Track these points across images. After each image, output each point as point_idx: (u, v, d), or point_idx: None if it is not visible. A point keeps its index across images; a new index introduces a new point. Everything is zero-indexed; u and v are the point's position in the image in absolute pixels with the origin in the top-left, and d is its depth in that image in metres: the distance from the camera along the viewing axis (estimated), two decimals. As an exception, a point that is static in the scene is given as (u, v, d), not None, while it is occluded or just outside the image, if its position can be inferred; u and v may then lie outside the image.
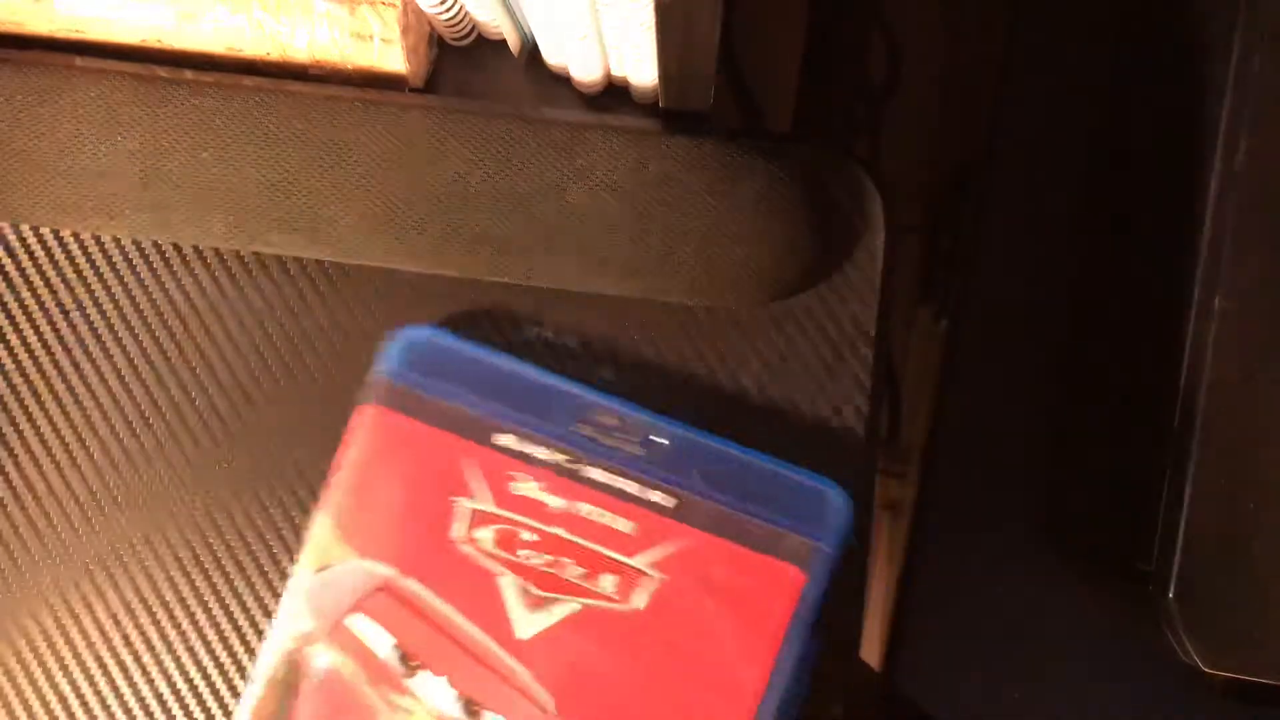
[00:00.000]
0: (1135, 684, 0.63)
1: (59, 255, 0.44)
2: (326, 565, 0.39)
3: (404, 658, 0.39)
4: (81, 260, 0.44)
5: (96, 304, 0.44)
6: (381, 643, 0.39)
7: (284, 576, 0.43)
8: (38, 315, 0.44)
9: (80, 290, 0.44)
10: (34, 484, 0.44)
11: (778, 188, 0.41)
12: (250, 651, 0.43)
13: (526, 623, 0.39)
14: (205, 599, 0.43)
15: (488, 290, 0.43)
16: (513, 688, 0.39)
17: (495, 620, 0.39)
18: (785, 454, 0.41)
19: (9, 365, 0.44)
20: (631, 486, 0.39)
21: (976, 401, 0.70)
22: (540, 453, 0.40)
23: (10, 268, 0.44)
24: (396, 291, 0.43)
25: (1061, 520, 0.64)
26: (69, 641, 0.43)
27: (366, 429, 0.40)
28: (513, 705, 0.39)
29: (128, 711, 0.43)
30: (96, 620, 0.43)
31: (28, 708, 0.43)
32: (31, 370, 0.44)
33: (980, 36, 0.75)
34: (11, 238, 0.44)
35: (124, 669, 0.43)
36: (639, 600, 0.39)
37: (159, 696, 0.43)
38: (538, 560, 0.39)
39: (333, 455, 0.40)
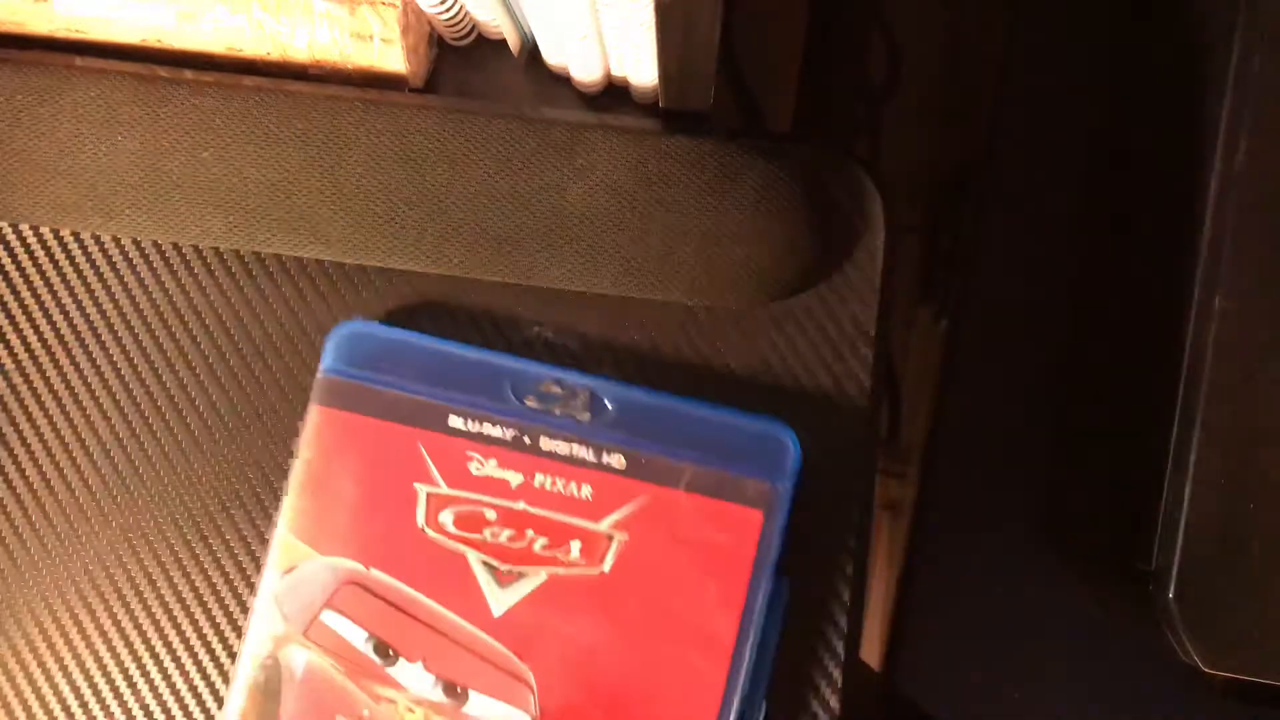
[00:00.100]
0: (1135, 684, 0.63)
1: (59, 255, 0.44)
2: (292, 567, 0.40)
3: (380, 648, 0.39)
4: (81, 260, 0.44)
5: (96, 304, 0.44)
6: (356, 636, 0.39)
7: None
8: (38, 315, 0.44)
9: (80, 290, 0.44)
10: (33, 483, 0.44)
11: (777, 188, 0.41)
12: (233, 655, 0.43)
13: (499, 599, 0.40)
14: (209, 594, 0.43)
15: (487, 290, 0.43)
16: (492, 665, 0.39)
17: (468, 601, 0.40)
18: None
19: (9, 365, 0.44)
20: (585, 452, 0.40)
21: (976, 401, 0.70)
22: (492, 431, 0.40)
23: (10, 268, 0.44)
24: (397, 291, 0.43)
25: (1061, 520, 0.64)
26: (67, 639, 0.43)
27: (313, 429, 0.40)
28: (493, 682, 0.39)
29: (109, 716, 0.43)
30: (96, 619, 0.43)
31: (26, 707, 0.43)
32: (31, 370, 0.44)
33: (980, 36, 0.75)
34: (11, 238, 0.44)
35: (106, 672, 0.43)
36: (606, 563, 0.40)
37: (142, 704, 0.43)
38: (503, 536, 0.40)
39: (333, 455, 0.41)
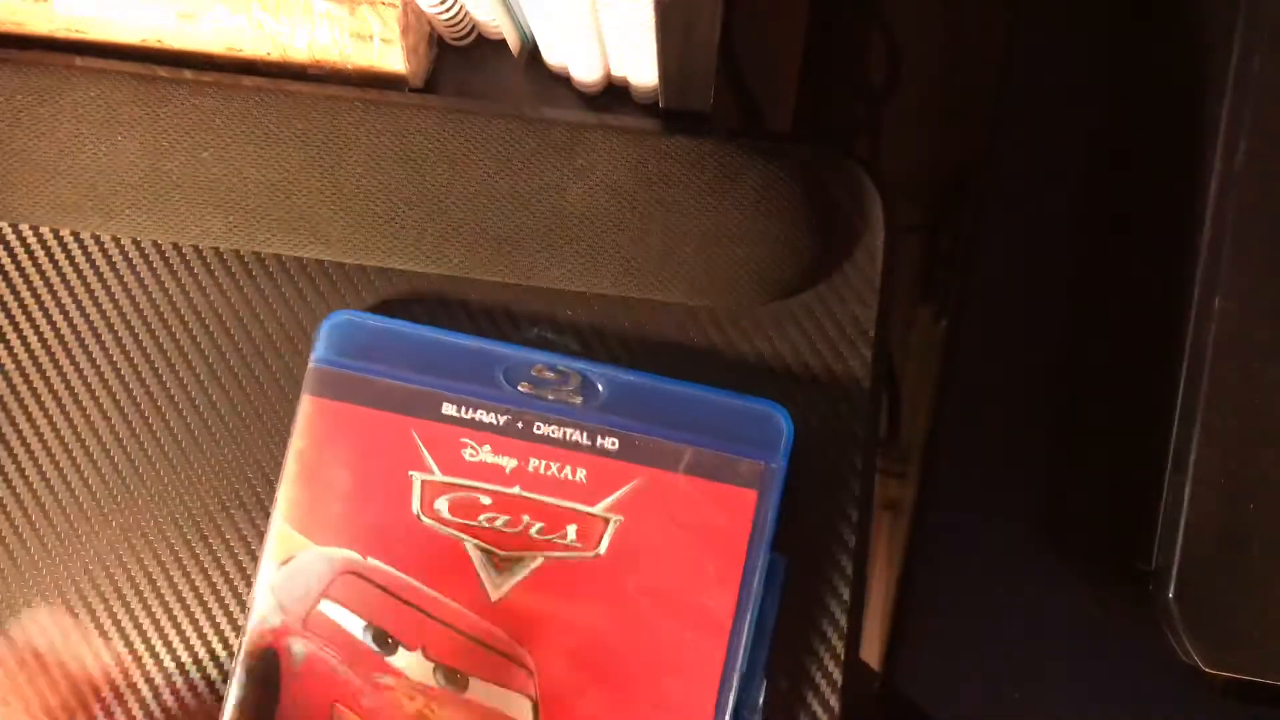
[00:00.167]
0: (1135, 684, 0.63)
1: (59, 255, 0.44)
2: (289, 558, 0.40)
3: (379, 637, 0.40)
4: (81, 260, 0.44)
5: (96, 304, 0.44)
6: (354, 625, 0.40)
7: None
8: (38, 315, 0.44)
9: (80, 290, 0.44)
10: (33, 483, 0.44)
11: (777, 188, 0.41)
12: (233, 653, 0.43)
13: (496, 585, 0.40)
14: (209, 593, 0.43)
15: (488, 290, 0.43)
16: (491, 650, 0.40)
17: (466, 587, 0.40)
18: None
19: (8, 365, 0.44)
20: (579, 436, 0.40)
21: (976, 401, 0.70)
22: (486, 417, 0.40)
23: (10, 268, 0.44)
24: (396, 290, 0.43)
25: (1061, 520, 0.64)
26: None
27: (305, 420, 0.40)
28: (493, 668, 0.40)
29: (108, 714, 0.43)
30: (96, 619, 0.43)
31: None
32: (31, 370, 0.44)
33: (980, 36, 0.75)
34: (11, 238, 0.44)
35: (107, 671, 0.43)
36: (602, 546, 0.40)
37: (141, 702, 0.43)
38: (499, 522, 0.40)
39: (333, 455, 0.41)
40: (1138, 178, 0.57)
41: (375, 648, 0.40)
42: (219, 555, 0.43)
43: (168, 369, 0.44)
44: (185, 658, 0.43)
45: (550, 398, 0.40)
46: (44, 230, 0.44)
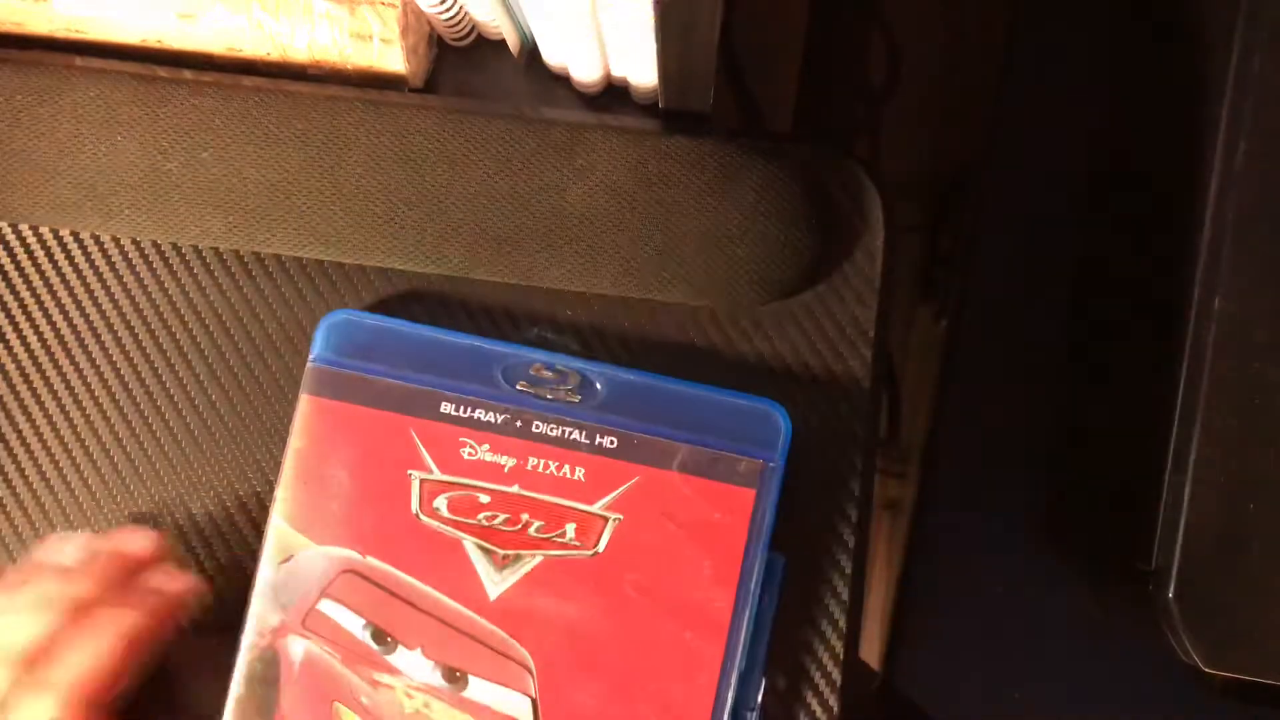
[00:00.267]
0: (1135, 684, 0.63)
1: (59, 255, 0.44)
2: (289, 556, 0.40)
3: (378, 635, 0.40)
4: (81, 260, 0.44)
5: (96, 304, 0.44)
6: (353, 624, 0.40)
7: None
8: (38, 315, 0.44)
9: (80, 290, 0.44)
10: (33, 483, 0.44)
11: (777, 188, 0.41)
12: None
13: (495, 583, 0.40)
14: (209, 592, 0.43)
15: (488, 289, 0.43)
16: (490, 649, 0.40)
17: (465, 586, 0.40)
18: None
19: (9, 365, 0.44)
20: (577, 434, 0.40)
21: (976, 401, 0.70)
22: (485, 416, 0.40)
23: (10, 268, 0.44)
24: (396, 290, 0.43)
25: (1061, 520, 0.64)
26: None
27: (304, 419, 0.40)
28: (492, 666, 0.40)
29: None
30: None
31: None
32: (31, 370, 0.44)
33: (980, 36, 0.75)
34: (11, 238, 0.44)
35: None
36: (601, 544, 0.40)
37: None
38: (498, 521, 0.40)
39: (333, 455, 0.41)
40: (1138, 178, 0.57)
41: (375, 646, 0.40)
42: (219, 554, 0.43)
43: (168, 369, 0.44)
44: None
45: (549, 397, 0.40)
46: (44, 230, 0.44)
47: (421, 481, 0.40)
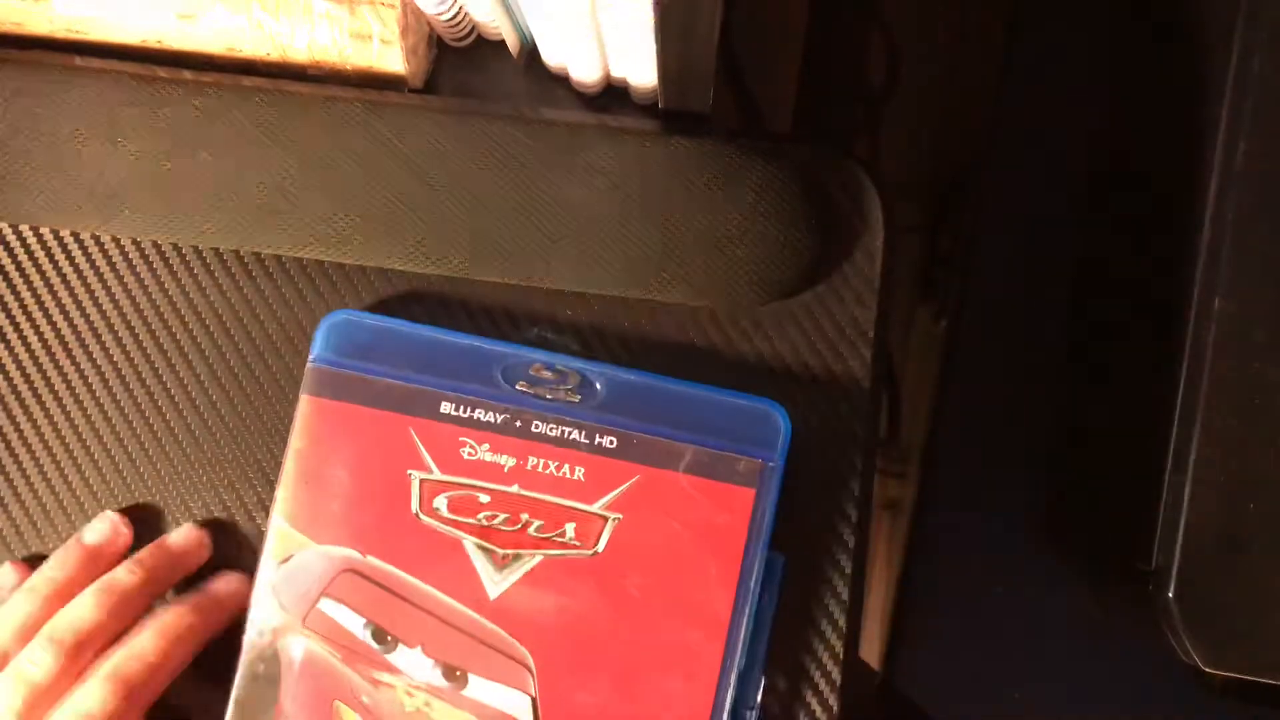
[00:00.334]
0: (1135, 684, 0.63)
1: (59, 255, 0.44)
2: (289, 556, 0.40)
3: (378, 634, 0.40)
4: (81, 260, 0.44)
5: (96, 304, 0.44)
6: (354, 623, 0.40)
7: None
8: (38, 315, 0.44)
9: (80, 290, 0.44)
10: (34, 483, 0.44)
11: (777, 188, 0.41)
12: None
13: (495, 583, 0.40)
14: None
15: (488, 289, 0.43)
16: (490, 648, 0.40)
17: (465, 585, 0.40)
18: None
19: (9, 365, 0.44)
20: (577, 434, 0.40)
21: (976, 401, 0.70)
22: (484, 416, 0.40)
23: (10, 268, 0.44)
24: (396, 291, 0.43)
25: (1061, 520, 0.64)
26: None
27: (304, 419, 0.40)
28: (492, 665, 0.40)
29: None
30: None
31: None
32: (31, 370, 0.44)
33: (980, 36, 0.75)
34: (11, 238, 0.44)
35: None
36: (600, 544, 0.40)
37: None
38: (498, 520, 0.40)
39: (332, 455, 0.41)
40: (1138, 178, 0.57)
41: (375, 645, 0.40)
42: (219, 554, 0.43)
43: (168, 369, 0.44)
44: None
45: (549, 396, 0.40)
46: (44, 230, 0.44)
47: (421, 481, 0.40)
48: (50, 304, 0.44)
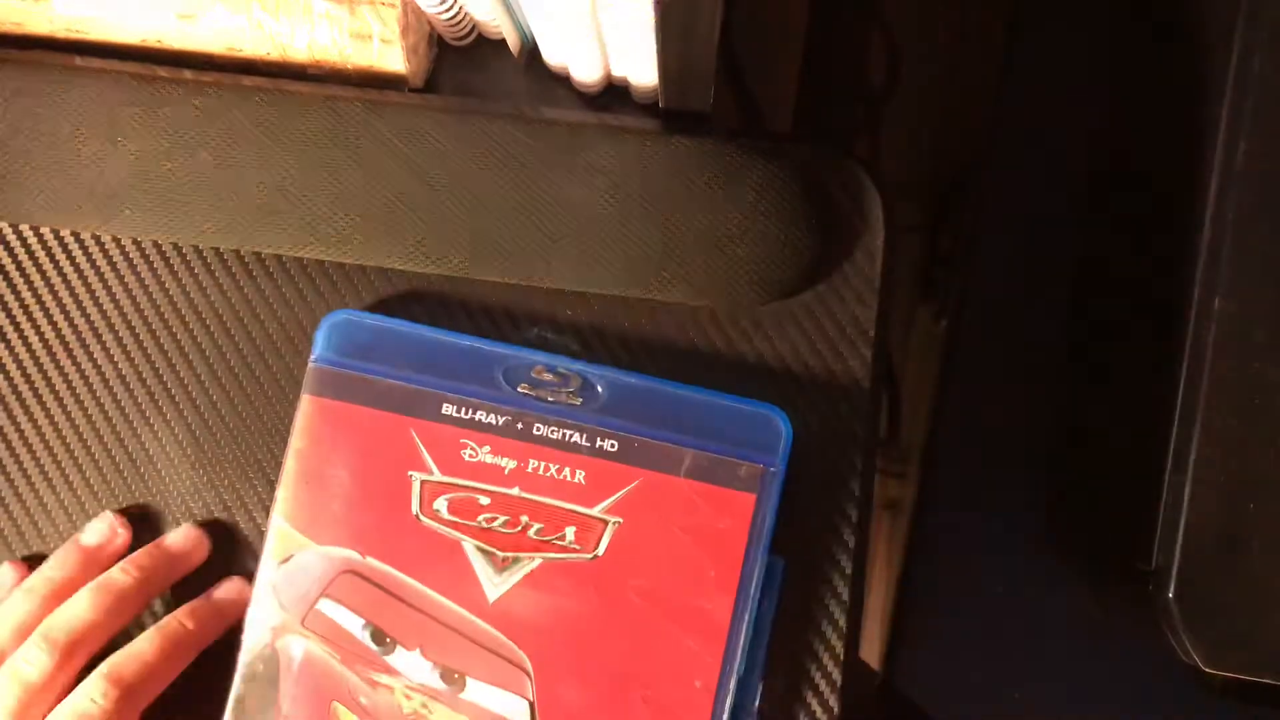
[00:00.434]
0: (1135, 684, 0.63)
1: (59, 255, 0.44)
2: (289, 556, 0.40)
3: (377, 636, 0.40)
4: (81, 260, 0.44)
5: (96, 304, 0.44)
6: (353, 624, 0.40)
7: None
8: (38, 315, 0.44)
9: (80, 290, 0.44)
10: (34, 483, 0.44)
11: (777, 188, 0.41)
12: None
13: (494, 585, 0.40)
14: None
15: (488, 289, 0.43)
16: (489, 651, 0.40)
17: (464, 587, 0.40)
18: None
19: (9, 365, 0.44)
20: (578, 437, 0.40)
21: (976, 401, 0.70)
22: (485, 417, 0.40)
23: (10, 268, 0.44)
24: (396, 290, 0.43)
25: (1061, 520, 0.64)
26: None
27: (305, 419, 0.40)
28: (491, 668, 0.40)
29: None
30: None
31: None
32: (31, 370, 0.44)
33: (980, 36, 0.75)
34: (11, 238, 0.44)
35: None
36: (600, 547, 0.40)
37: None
38: (498, 523, 0.40)
39: (333, 455, 0.41)
40: (1138, 178, 0.57)
41: (373, 646, 0.40)
42: (219, 554, 0.43)
43: (168, 369, 0.44)
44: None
45: (550, 399, 0.40)
46: (44, 230, 0.44)
47: (422, 482, 0.40)
48: (50, 304, 0.44)
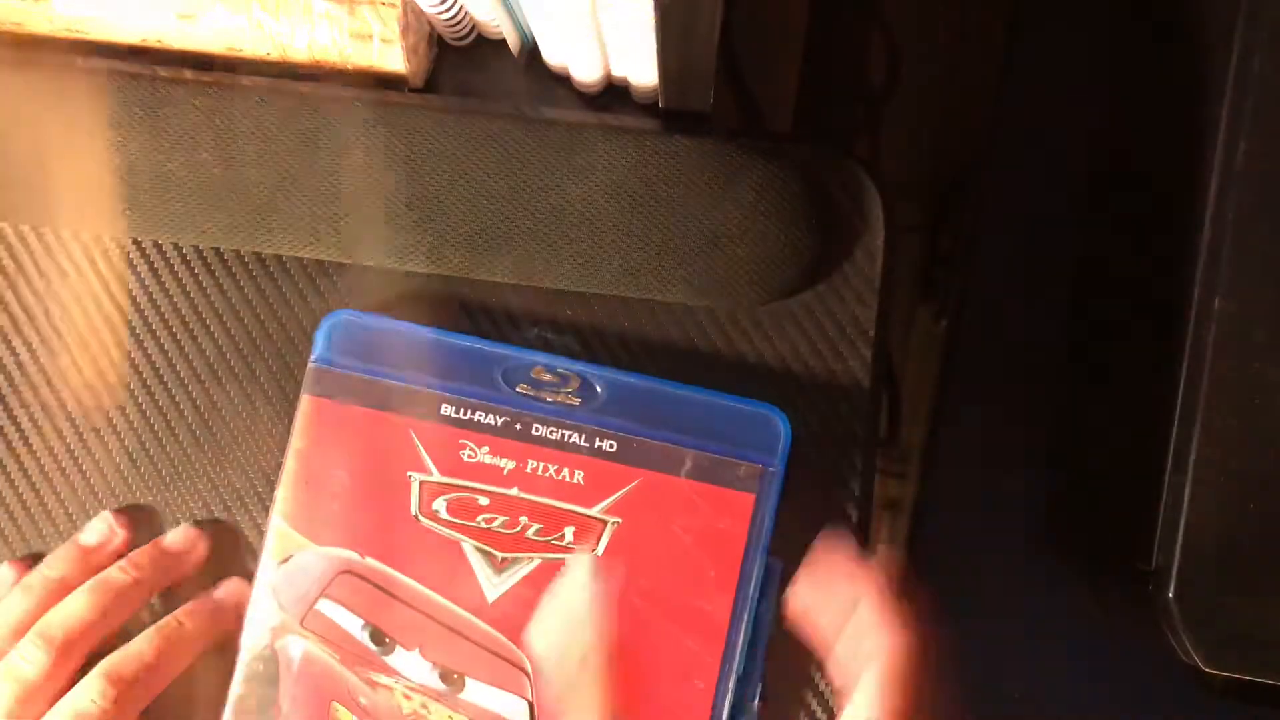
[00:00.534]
0: (1135, 684, 0.63)
1: (59, 255, 0.44)
2: (288, 557, 0.40)
3: (376, 636, 0.40)
4: (82, 260, 0.44)
5: (97, 304, 0.44)
6: (352, 625, 0.40)
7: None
8: (38, 315, 0.44)
9: (81, 290, 0.44)
10: (35, 482, 0.44)
11: (777, 188, 0.41)
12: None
13: (493, 586, 0.40)
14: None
15: (488, 289, 0.43)
16: (488, 651, 0.40)
17: (463, 588, 0.40)
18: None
19: (9, 365, 0.44)
20: (577, 438, 0.40)
21: (976, 401, 0.70)
22: (484, 418, 0.40)
23: (10, 268, 0.44)
24: (396, 290, 0.43)
25: (1061, 520, 0.64)
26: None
27: (304, 420, 0.40)
28: (490, 668, 0.40)
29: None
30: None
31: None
32: (32, 369, 0.44)
33: (980, 36, 0.75)
34: (12, 238, 0.44)
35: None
36: (599, 548, 0.40)
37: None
38: (497, 523, 0.40)
39: (333, 455, 0.41)
40: (1138, 178, 0.57)
41: (373, 647, 0.40)
42: (218, 554, 0.43)
43: (168, 369, 0.44)
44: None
45: (549, 399, 0.40)
46: (45, 230, 0.44)
47: (421, 483, 0.40)
48: (50, 304, 0.44)
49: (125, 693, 0.38)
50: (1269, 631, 0.42)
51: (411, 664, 0.40)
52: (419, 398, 0.40)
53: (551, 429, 0.40)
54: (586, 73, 0.43)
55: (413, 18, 0.42)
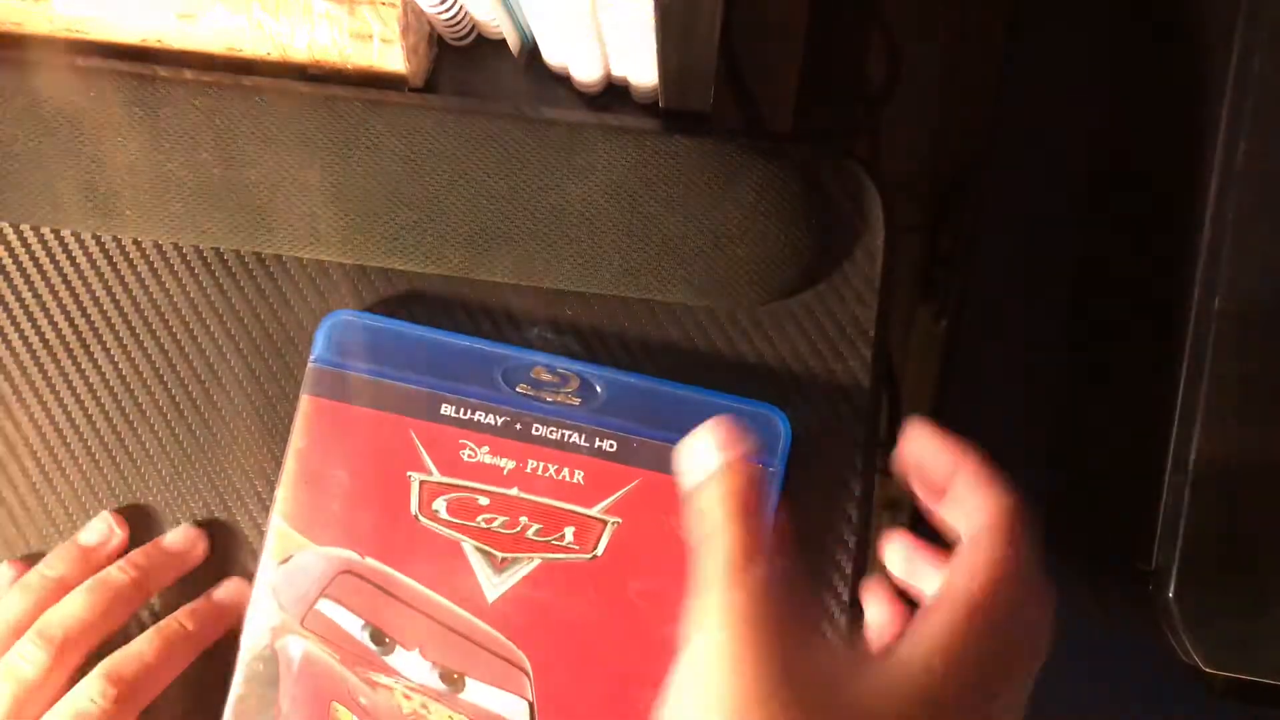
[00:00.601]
0: (1135, 684, 0.63)
1: (59, 255, 0.44)
2: (288, 557, 0.40)
3: (376, 636, 0.40)
4: (82, 260, 0.44)
5: (96, 304, 0.44)
6: (352, 625, 0.40)
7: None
8: (38, 315, 0.44)
9: (80, 290, 0.44)
10: (35, 482, 0.44)
11: (777, 188, 0.41)
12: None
13: (493, 586, 0.40)
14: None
15: (488, 289, 0.43)
16: (488, 651, 0.40)
17: (463, 588, 0.40)
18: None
19: (9, 364, 0.44)
20: (577, 438, 0.40)
21: (976, 401, 0.70)
22: (484, 418, 0.40)
23: (10, 268, 0.44)
24: (396, 290, 0.43)
25: (1061, 520, 0.64)
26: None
27: (304, 420, 0.40)
28: (490, 669, 0.40)
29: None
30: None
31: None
32: (32, 369, 0.44)
33: (980, 36, 0.75)
34: (12, 237, 0.44)
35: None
36: (599, 548, 0.40)
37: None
38: (497, 523, 0.40)
39: (333, 455, 0.41)
40: (1138, 178, 0.57)
41: (373, 647, 0.40)
42: (218, 554, 0.43)
43: (168, 369, 0.44)
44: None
45: (549, 399, 0.40)
46: (44, 230, 0.44)
47: (421, 483, 0.40)
48: (50, 304, 0.44)
49: (125, 693, 0.38)
50: (1269, 631, 0.42)
51: (411, 664, 0.40)
52: (419, 397, 0.40)
53: (551, 429, 0.40)
54: (586, 73, 0.43)
55: (413, 18, 0.42)
